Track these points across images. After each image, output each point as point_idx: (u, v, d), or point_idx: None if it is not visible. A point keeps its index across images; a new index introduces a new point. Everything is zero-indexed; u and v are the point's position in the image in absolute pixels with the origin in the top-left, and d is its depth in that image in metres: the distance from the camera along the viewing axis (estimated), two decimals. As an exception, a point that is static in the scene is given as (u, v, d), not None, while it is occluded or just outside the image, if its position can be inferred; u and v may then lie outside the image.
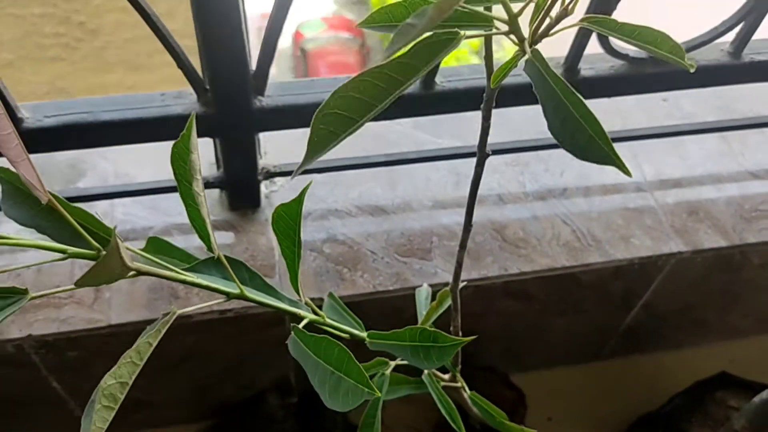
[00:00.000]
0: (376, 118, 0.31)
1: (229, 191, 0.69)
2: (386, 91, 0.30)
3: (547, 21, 0.33)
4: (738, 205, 0.76)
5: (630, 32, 0.33)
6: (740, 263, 0.77)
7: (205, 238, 0.41)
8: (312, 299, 0.63)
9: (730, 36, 0.66)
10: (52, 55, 3.39)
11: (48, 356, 0.65)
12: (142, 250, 0.48)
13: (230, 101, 0.58)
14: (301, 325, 0.44)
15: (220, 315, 0.64)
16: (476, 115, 0.40)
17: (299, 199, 0.41)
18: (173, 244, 0.48)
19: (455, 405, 0.56)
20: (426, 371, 0.54)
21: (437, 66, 0.59)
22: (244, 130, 0.61)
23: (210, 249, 0.42)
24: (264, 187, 0.71)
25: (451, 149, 0.72)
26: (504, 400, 0.80)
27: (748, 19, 0.63)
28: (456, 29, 0.31)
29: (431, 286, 0.67)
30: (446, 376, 0.57)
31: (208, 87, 0.58)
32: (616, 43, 0.62)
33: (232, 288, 0.43)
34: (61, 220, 0.37)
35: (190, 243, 0.69)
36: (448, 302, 0.52)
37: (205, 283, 0.42)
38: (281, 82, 0.60)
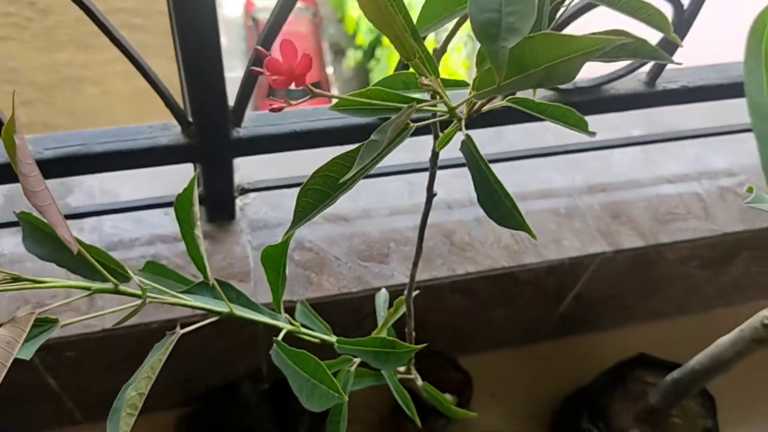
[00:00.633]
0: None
1: (207, 206, 0.77)
2: (358, 159, 0.39)
3: (479, 103, 0.42)
4: (654, 209, 0.88)
5: (543, 109, 0.43)
6: (656, 259, 0.89)
7: (201, 269, 0.50)
8: (286, 302, 0.72)
9: (647, 67, 0.76)
10: (1, 35, 3.33)
11: (47, 357, 0.73)
12: (141, 271, 0.56)
13: (211, 133, 0.66)
14: (280, 336, 0.53)
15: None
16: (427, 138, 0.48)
17: (285, 244, 0.49)
18: (167, 267, 0.56)
19: (410, 391, 0.66)
20: (385, 366, 0.64)
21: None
22: (223, 157, 0.69)
23: (206, 278, 0.50)
24: (239, 201, 0.79)
25: (406, 165, 0.82)
26: (453, 381, 0.91)
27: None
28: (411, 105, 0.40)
29: (389, 287, 0.77)
30: (402, 369, 0.67)
31: (191, 120, 0.66)
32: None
33: (223, 308, 0.51)
34: (78, 255, 0.45)
35: (172, 251, 0.77)
36: (403, 309, 0.61)
37: (200, 305, 0.50)
38: (256, 113, 0.68)
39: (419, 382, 0.67)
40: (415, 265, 0.57)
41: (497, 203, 0.38)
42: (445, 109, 0.40)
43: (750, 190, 0.48)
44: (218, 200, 0.76)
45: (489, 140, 0.90)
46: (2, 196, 0.77)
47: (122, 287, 0.45)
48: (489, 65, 0.32)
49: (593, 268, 0.86)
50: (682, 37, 0.69)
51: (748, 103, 0.70)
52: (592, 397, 0.92)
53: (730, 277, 1.00)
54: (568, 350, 1.04)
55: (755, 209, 0.69)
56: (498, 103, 0.43)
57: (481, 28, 0.32)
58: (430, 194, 0.52)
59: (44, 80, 3.51)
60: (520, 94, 0.44)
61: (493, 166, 0.87)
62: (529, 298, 0.91)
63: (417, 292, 0.62)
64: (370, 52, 6.42)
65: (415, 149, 0.87)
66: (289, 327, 0.55)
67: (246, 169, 0.80)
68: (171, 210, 0.77)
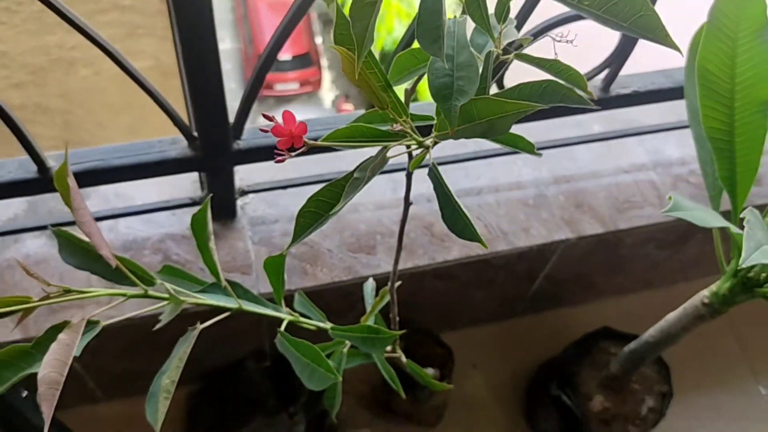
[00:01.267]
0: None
1: (211, 207, 0.86)
2: (344, 194, 0.48)
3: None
4: (614, 198, 0.97)
5: (500, 139, 0.52)
6: (616, 243, 0.99)
7: (215, 274, 0.59)
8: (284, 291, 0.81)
9: (602, 75, 0.85)
10: (-8, 19, 3.36)
11: (75, 345, 0.82)
12: (159, 273, 0.65)
13: (214, 146, 0.75)
14: (282, 326, 0.62)
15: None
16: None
17: (282, 256, 0.58)
18: (182, 270, 0.65)
19: (397, 367, 0.76)
20: (373, 347, 0.74)
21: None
22: (225, 166, 0.78)
23: (218, 280, 0.59)
24: (239, 201, 0.88)
25: (390, 165, 0.90)
26: (436, 356, 1.01)
27: (612, 65, 0.83)
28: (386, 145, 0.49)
29: (376, 275, 0.86)
30: (389, 348, 0.77)
31: (196, 135, 0.74)
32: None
33: (233, 304, 0.60)
34: (110, 264, 0.54)
35: (181, 248, 0.86)
36: (388, 298, 0.71)
37: (215, 303, 0.60)
38: (254, 127, 0.77)
39: (404, 359, 0.77)
40: (396, 261, 0.66)
41: (457, 219, 0.47)
42: (414, 143, 0.49)
43: (669, 198, 0.57)
44: (221, 202, 0.85)
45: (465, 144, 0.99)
46: (26, 202, 0.86)
47: (151, 292, 0.54)
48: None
49: (559, 252, 0.96)
50: (626, 59, 0.78)
51: (687, 106, 0.79)
52: (561, 366, 1.03)
53: (687, 255, 1.11)
54: (541, 324, 1.14)
55: (704, 195, 0.79)
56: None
57: (437, 91, 0.41)
58: (407, 203, 0.61)
59: (36, 63, 3.55)
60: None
61: (470, 163, 0.96)
62: (503, 280, 1.01)
63: (399, 282, 0.71)
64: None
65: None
66: (290, 318, 0.64)
67: (244, 172, 0.88)
68: (178, 211, 0.86)
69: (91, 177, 0.73)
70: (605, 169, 1.00)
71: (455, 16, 0.43)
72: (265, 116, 0.39)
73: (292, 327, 0.65)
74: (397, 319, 0.73)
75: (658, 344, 0.87)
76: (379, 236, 0.90)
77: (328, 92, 6.67)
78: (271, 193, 0.89)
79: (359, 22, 0.35)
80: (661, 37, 0.38)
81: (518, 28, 0.53)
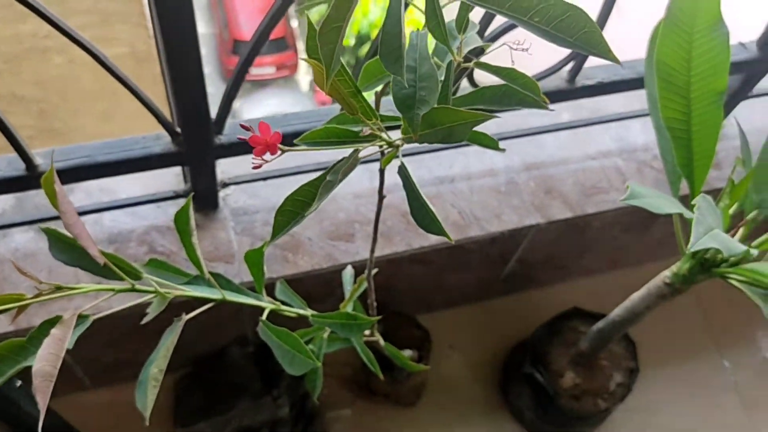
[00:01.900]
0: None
1: (194, 199, 0.88)
2: (318, 195, 0.51)
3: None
4: (581, 184, 1.01)
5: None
6: (584, 227, 1.03)
7: (199, 267, 0.62)
8: (266, 279, 0.85)
9: (568, 66, 0.89)
10: (-37, 7, 3.32)
11: (64, 335, 0.85)
12: (145, 266, 0.68)
13: (197, 141, 0.77)
14: (264, 315, 0.66)
15: (195, 295, 0.86)
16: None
17: (261, 249, 0.62)
18: (166, 263, 0.68)
19: (376, 350, 0.80)
20: (352, 331, 0.77)
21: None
22: (207, 160, 0.81)
23: (202, 273, 0.62)
24: (221, 193, 0.91)
25: (365, 156, 0.93)
26: (414, 337, 1.06)
27: (577, 58, 0.86)
28: (357, 148, 0.52)
29: (355, 262, 0.90)
30: (367, 332, 0.81)
31: (179, 131, 0.77)
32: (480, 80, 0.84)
33: (217, 295, 0.64)
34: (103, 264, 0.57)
35: (166, 239, 0.88)
36: (365, 286, 0.74)
37: (199, 294, 0.63)
38: (234, 121, 0.80)
39: (381, 342, 0.81)
40: (372, 251, 0.70)
41: (424, 215, 0.51)
42: (384, 143, 0.52)
43: (627, 187, 0.61)
44: (203, 194, 0.87)
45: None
46: (13, 198, 0.88)
47: (138, 286, 0.58)
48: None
49: (530, 236, 1.00)
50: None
51: (647, 96, 0.83)
52: (533, 345, 1.07)
53: (652, 237, 1.15)
54: (515, 305, 1.19)
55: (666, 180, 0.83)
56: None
57: (400, 101, 0.44)
58: (381, 197, 0.64)
59: (9, 51, 3.52)
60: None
61: (445, 152, 0.99)
62: (477, 264, 1.05)
63: (376, 270, 0.75)
64: (335, 5, 6.39)
65: (374, 140, 0.99)
66: (272, 306, 0.68)
67: (226, 164, 0.91)
68: (162, 203, 0.89)
69: (77, 173, 0.75)
70: (573, 156, 1.04)
71: (418, 29, 0.46)
72: (242, 126, 0.42)
73: (274, 314, 0.68)
74: (375, 304, 0.77)
75: (624, 323, 0.92)
76: (357, 224, 0.93)
77: (304, 76, 6.65)
78: (251, 184, 0.92)
79: (326, 45, 0.39)
80: (604, 52, 0.41)
81: (482, 32, 0.56)
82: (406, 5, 0.50)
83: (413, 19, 0.56)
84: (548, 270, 1.16)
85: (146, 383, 0.55)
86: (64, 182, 0.77)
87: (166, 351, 0.57)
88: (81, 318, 0.56)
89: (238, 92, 0.74)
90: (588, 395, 1.02)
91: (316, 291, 0.93)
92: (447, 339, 1.16)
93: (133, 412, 0.56)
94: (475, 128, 0.48)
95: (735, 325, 1.24)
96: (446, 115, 0.43)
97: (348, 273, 0.80)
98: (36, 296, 0.54)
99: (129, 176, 0.88)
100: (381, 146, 0.52)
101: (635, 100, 1.06)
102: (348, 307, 0.76)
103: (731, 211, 0.78)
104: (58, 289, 0.54)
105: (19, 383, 0.80)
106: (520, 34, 0.50)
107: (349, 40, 6.48)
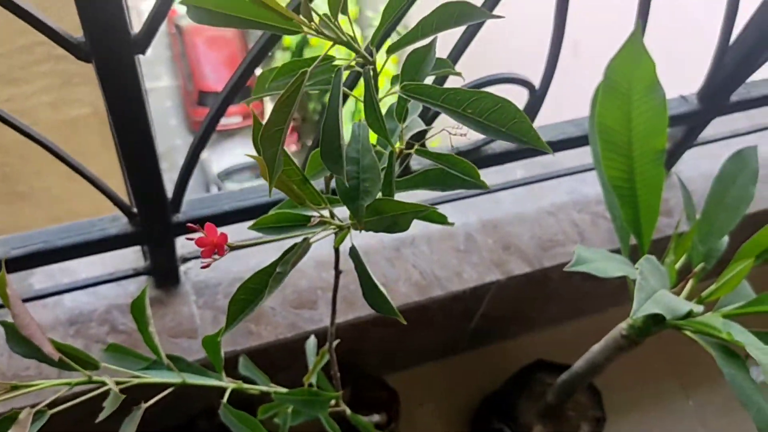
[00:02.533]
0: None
1: (155, 276, 0.89)
2: (268, 287, 0.52)
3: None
4: (538, 238, 1.04)
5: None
6: (543, 280, 1.05)
7: (157, 354, 0.62)
8: (229, 352, 0.85)
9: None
10: (-76, 77, 3.30)
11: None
12: (104, 351, 0.68)
13: (154, 221, 0.78)
14: (225, 397, 0.66)
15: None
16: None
17: (218, 334, 0.62)
18: (126, 348, 0.68)
19: (344, 418, 0.80)
20: (317, 402, 0.78)
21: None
22: (165, 239, 0.81)
23: (160, 359, 0.63)
24: (182, 267, 0.92)
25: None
26: (382, 399, 1.06)
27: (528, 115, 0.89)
28: (307, 237, 0.53)
29: (319, 329, 0.91)
30: (333, 403, 0.81)
31: (135, 211, 0.77)
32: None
33: (176, 379, 0.64)
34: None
35: (128, 318, 0.88)
36: (327, 358, 0.75)
37: (159, 380, 0.63)
38: (192, 199, 0.81)
39: (348, 412, 0.81)
40: (332, 323, 0.71)
41: (376, 297, 0.52)
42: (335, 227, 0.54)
43: (575, 253, 0.63)
44: (164, 270, 0.88)
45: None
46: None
47: (95, 378, 0.58)
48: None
49: (492, 292, 1.02)
50: (536, 114, 0.85)
51: (592, 154, 0.87)
52: (501, 399, 1.08)
53: (613, 283, 1.18)
54: (483, 359, 1.20)
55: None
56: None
57: (344, 194, 0.46)
58: (337, 272, 0.65)
59: (-31, 117, 3.49)
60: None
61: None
62: (441, 322, 1.06)
63: (338, 341, 0.76)
64: (298, 53, 6.50)
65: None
66: (233, 386, 0.68)
67: (186, 239, 0.92)
68: (123, 281, 0.89)
69: (35, 259, 0.75)
70: (529, 211, 1.06)
71: (360, 120, 0.48)
72: (189, 227, 0.44)
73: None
74: (339, 375, 0.78)
75: (585, 374, 0.93)
76: (320, 291, 0.94)
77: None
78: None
79: (269, 148, 0.40)
80: (533, 140, 0.44)
81: (424, 114, 0.58)
82: (346, 98, 0.52)
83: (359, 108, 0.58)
84: (513, 323, 1.18)
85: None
86: (23, 268, 0.77)
87: (133, 423, 0.57)
88: (38, 413, 0.56)
89: (193, 172, 0.75)
90: (558, 447, 1.03)
91: (281, 359, 0.93)
92: (417, 397, 1.16)
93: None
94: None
95: (698, 363, 1.27)
96: (390, 206, 0.45)
97: (311, 344, 0.81)
98: (-8, 396, 0.54)
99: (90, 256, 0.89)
100: (333, 229, 0.53)
101: (586, 153, 1.09)
102: (312, 379, 0.76)
103: (678, 265, 0.81)
104: (14, 388, 0.53)
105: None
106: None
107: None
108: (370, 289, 0.53)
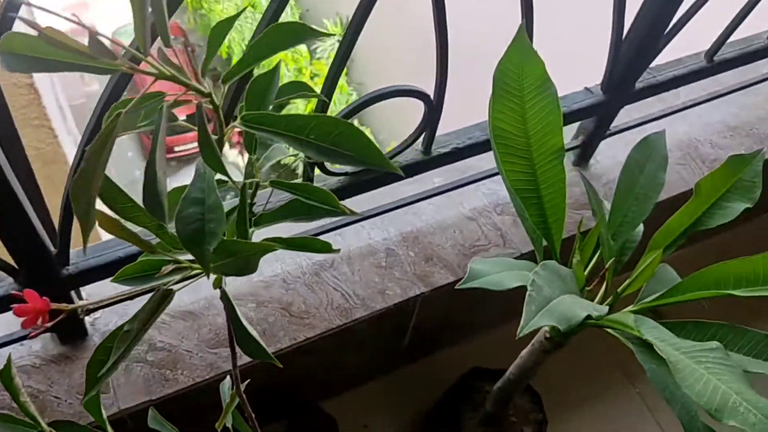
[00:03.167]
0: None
1: (58, 333, 0.84)
2: (113, 351, 0.48)
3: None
4: (461, 245, 1.02)
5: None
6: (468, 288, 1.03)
7: (37, 423, 0.58)
8: (143, 403, 0.81)
9: (421, 138, 0.90)
10: None
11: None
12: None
13: (41, 277, 0.74)
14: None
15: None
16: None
17: (97, 396, 0.59)
18: (13, 416, 0.63)
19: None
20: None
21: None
22: (58, 293, 0.77)
23: (41, 428, 0.59)
24: (88, 318, 0.87)
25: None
26: (319, 426, 1.02)
27: (426, 129, 0.87)
28: (170, 288, 0.50)
29: (240, 366, 0.87)
30: (254, 443, 0.77)
31: (18, 268, 0.73)
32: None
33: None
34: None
35: (34, 380, 0.84)
36: (237, 400, 0.72)
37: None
38: (78, 249, 0.76)
39: (269, 451, 0.78)
40: (234, 366, 0.68)
41: (248, 342, 0.49)
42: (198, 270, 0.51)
43: (469, 268, 0.61)
44: (67, 326, 0.83)
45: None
46: None
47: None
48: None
49: (419, 305, 1.00)
50: (437, 123, 0.83)
51: (495, 159, 0.85)
52: (442, 412, 1.06)
53: (545, 281, 1.17)
54: (423, 371, 1.18)
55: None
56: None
57: (187, 239, 0.42)
58: (229, 314, 0.62)
59: None
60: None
61: (321, 236, 0.97)
62: (373, 341, 1.03)
63: (248, 381, 0.72)
64: (248, 74, 6.44)
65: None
66: (133, 444, 0.64)
67: (93, 287, 0.87)
68: (26, 341, 0.85)
69: None
70: (449, 218, 1.05)
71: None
72: (12, 295, 0.40)
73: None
74: (253, 416, 0.74)
75: (519, 380, 0.92)
76: (237, 326, 0.90)
77: (230, 149, 6.64)
78: (121, 304, 0.89)
79: (82, 201, 0.37)
80: (382, 164, 0.41)
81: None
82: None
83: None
84: (447, 332, 1.16)
85: None
86: None
87: None
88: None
89: (72, 224, 0.71)
90: (502, 456, 1.01)
91: (204, 401, 0.89)
92: (360, 419, 1.13)
93: None
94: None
95: (641, 352, 1.26)
96: (236, 247, 0.42)
97: (226, 385, 0.77)
98: None
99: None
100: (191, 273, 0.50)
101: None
102: (228, 422, 0.73)
103: (594, 262, 0.79)
104: None
105: None
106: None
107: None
108: (242, 337, 0.50)
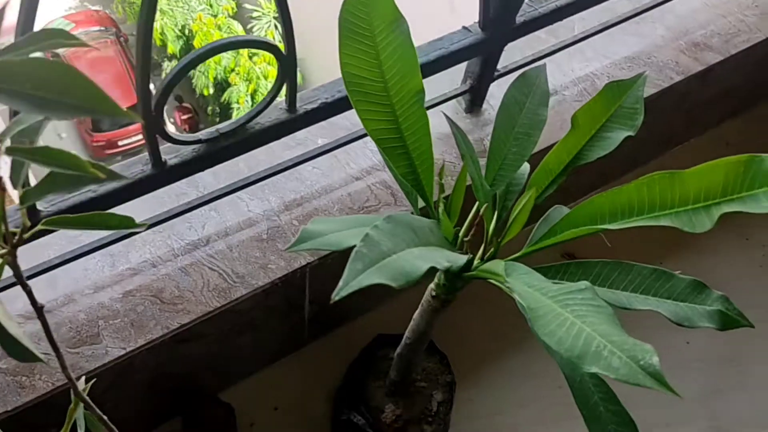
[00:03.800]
0: None
1: None
2: None
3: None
4: (349, 208, 0.95)
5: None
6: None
7: None
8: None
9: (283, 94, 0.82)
10: None
11: None
12: None
13: None
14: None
15: None
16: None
17: None
18: None
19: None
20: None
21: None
22: None
23: None
24: None
25: (103, 239, 0.83)
26: (216, 418, 0.96)
27: (285, 83, 0.79)
28: None
29: (105, 365, 0.80)
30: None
31: None
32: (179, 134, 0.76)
33: None
34: None
35: None
36: (80, 410, 0.64)
37: None
38: None
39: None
40: (63, 368, 0.60)
41: (13, 346, 0.42)
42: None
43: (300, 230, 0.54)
44: None
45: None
46: None
47: None
48: None
49: (309, 277, 0.93)
50: (295, 76, 0.75)
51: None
52: (349, 385, 1.00)
53: (450, 237, 1.11)
54: (332, 345, 1.11)
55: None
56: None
57: None
58: (35, 308, 0.54)
59: None
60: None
61: (195, 212, 0.88)
62: (266, 321, 0.96)
63: (94, 380, 0.65)
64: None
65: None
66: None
67: None
68: None
69: None
70: (336, 181, 0.98)
71: None
72: None
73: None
74: (105, 417, 0.67)
75: (416, 343, 0.86)
76: (102, 321, 0.83)
77: (171, 126, 6.52)
78: None
79: None
80: (111, 110, 0.34)
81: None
82: None
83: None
84: (347, 303, 1.09)
85: None
86: None
87: None
88: None
89: None
90: (412, 424, 0.96)
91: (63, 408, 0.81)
92: (270, 402, 1.07)
93: None
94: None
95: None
96: None
97: (80, 386, 0.70)
98: None
99: None
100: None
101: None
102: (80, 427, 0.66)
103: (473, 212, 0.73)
104: None
105: None
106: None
107: (209, 89, 6.33)
108: (8, 343, 0.42)
